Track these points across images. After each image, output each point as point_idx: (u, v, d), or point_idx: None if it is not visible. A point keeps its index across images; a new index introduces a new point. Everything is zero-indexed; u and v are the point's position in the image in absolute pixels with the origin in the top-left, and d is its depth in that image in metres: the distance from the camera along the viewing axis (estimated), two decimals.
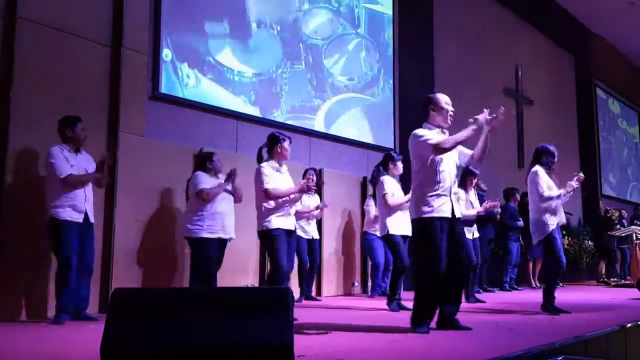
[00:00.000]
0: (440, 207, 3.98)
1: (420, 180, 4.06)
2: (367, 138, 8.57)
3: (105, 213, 5.40)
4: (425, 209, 3.97)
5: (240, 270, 6.35)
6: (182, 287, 5.57)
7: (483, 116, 3.99)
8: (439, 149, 3.96)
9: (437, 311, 4.13)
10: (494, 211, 8.03)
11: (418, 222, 4.04)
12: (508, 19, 12.37)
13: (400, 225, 5.60)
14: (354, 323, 4.51)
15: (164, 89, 6.10)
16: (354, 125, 8.44)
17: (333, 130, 8.08)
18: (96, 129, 5.38)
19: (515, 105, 12.33)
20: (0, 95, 4.83)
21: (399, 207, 5.57)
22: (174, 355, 2.40)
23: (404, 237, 5.63)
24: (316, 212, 6.78)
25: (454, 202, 4.07)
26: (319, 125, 7.87)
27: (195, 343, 2.40)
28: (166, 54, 6.15)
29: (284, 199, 4.72)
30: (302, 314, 4.80)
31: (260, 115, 7.03)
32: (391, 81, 9.16)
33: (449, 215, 4.02)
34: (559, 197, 5.29)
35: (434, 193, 3.98)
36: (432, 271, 3.93)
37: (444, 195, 4.01)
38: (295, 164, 6.70)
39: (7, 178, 4.75)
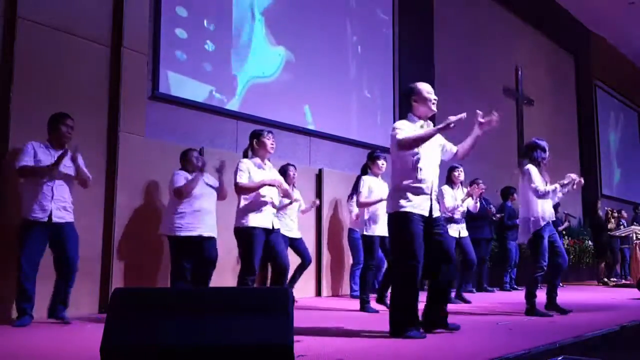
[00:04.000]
0: (419, 203, 3.85)
1: (399, 175, 3.93)
2: (367, 138, 8.57)
3: (105, 213, 5.40)
4: (403, 202, 3.83)
5: (238, 270, 6.33)
6: (181, 287, 5.57)
7: (456, 118, 3.76)
8: (401, 145, 3.85)
9: (423, 313, 4.03)
10: (487, 207, 7.98)
11: (394, 217, 3.88)
12: (508, 19, 12.37)
13: (380, 225, 5.52)
14: (353, 323, 4.51)
15: (164, 89, 6.10)
16: (354, 125, 8.45)
17: (333, 130, 8.08)
18: (96, 129, 5.39)
19: (515, 105, 12.34)
20: (0, 95, 4.83)
21: (370, 206, 5.54)
22: (173, 355, 2.40)
23: (383, 237, 5.52)
24: (304, 207, 6.69)
25: (434, 201, 3.94)
26: (319, 125, 7.87)
27: (195, 343, 2.40)
28: (166, 53, 6.16)
29: (262, 196, 4.60)
30: (302, 313, 4.80)
31: (259, 115, 7.03)
32: (391, 81, 9.17)
33: (427, 214, 3.88)
34: (554, 191, 5.19)
35: (414, 189, 3.85)
36: (408, 266, 3.76)
37: (424, 193, 3.88)
38: (296, 164, 6.70)
39: (7, 178, 4.74)
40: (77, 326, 4.39)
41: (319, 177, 7.65)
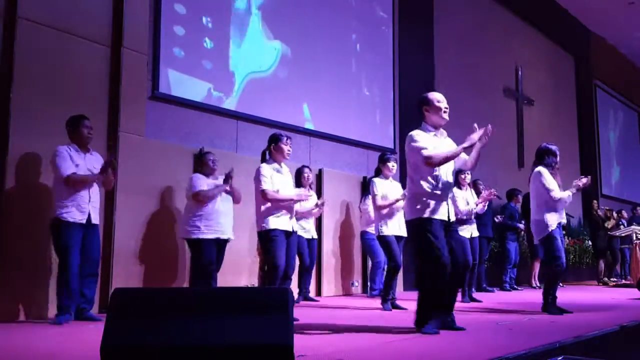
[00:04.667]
0: (437, 209, 3.96)
1: (417, 181, 4.02)
2: (367, 138, 8.57)
3: (105, 213, 5.39)
4: (422, 208, 3.93)
5: (239, 270, 6.34)
6: (182, 287, 5.57)
7: (477, 135, 3.95)
8: (429, 163, 3.95)
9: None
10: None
11: (414, 223, 3.99)
12: (508, 19, 12.37)
13: (395, 225, 5.67)
14: (353, 323, 4.51)
15: (163, 89, 6.10)
16: (354, 125, 8.45)
17: (333, 130, 8.09)
18: (96, 129, 5.35)
19: (515, 105, 12.34)
20: (0, 95, 4.83)
21: (387, 208, 5.64)
22: (173, 355, 2.40)
23: (399, 237, 5.70)
24: (315, 211, 6.70)
25: (450, 206, 4.06)
26: (317, 124, 7.87)
27: (195, 343, 2.39)
28: (166, 53, 6.15)
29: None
30: (302, 313, 4.80)
31: (259, 115, 7.03)
32: (391, 81, 9.17)
33: (445, 219, 4.00)
34: (569, 197, 5.30)
35: (432, 194, 3.96)
36: (438, 268, 3.85)
37: (442, 198, 3.99)
38: (296, 164, 6.70)
39: (7, 178, 4.74)
40: (77, 326, 4.39)
41: (319, 177, 7.65)
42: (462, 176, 6.72)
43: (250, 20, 7.14)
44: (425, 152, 3.95)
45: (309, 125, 7.74)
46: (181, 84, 6.28)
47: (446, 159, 3.97)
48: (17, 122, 4.81)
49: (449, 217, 4.02)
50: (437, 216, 3.94)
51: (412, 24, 9.55)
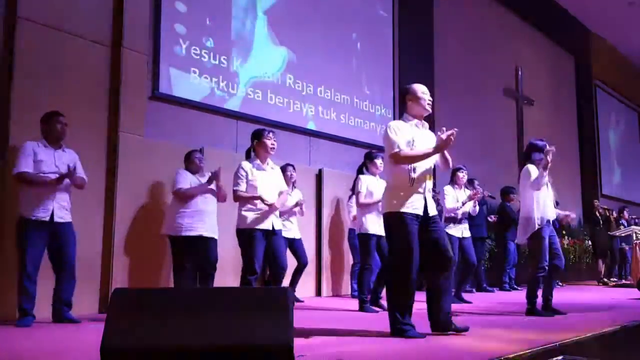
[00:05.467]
0: (412, 203, 3.83)
1: (393, 174, 3.93)
2: (367, 138, 8.57)
3: (105, 213, 5.40)
4: (396, 203, 3.82)
5: (238, 270, 6.32)
6: (182, 287, 5.57)
7: (444, 136, 3.79)
8: (393, 159, 3.87)
9: (428, 314, 3.99)
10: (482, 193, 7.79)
11: (388, 217, 3.87)
12: (508, 19, 12.38)
13: (375, 223, 5.49)
14: (353, 323, 4.51)
15: (164, 88, 6.10)
16: (354, 124, 8.45)
17: (333, 130, 8.09)
18: (96, 129, 5.39)
19: (515, 105, 12.34)
20: (0, 95, 4.83)
21: (371, 206, 5.51)
22: (173, 355, 2.40)
23: (379, 236, 5.45)
24: (296, 209, 6.47)
25: (428, 199, 3.91)
26: (318, 124, 7.87)
27: (195, 343, 2.40)
28: (167, 51, 6.15)
29: (256, 197, 4.62)
30: (301, 314, 4.80)
31: (259, 115, 7.03)
32: (391, 80, 9.17)
33: (421, 213, 3.85)
34: (540, 177, 5.08)
35: (407, 189, 3.84)
36: (402, 267, 3.76)
37: (418, 191, 3.86)
38: (296, 164, 6.70)
39: (7, 177, 4.74)
40: (77, 326, 4.39)
41: (319, 177, 7.65)
42: (460, 175, 6.64)
43: (249, 18, 7.15)
44: (394, 149, 3.85)
45: (309, 125, 7.74)
46: (182, 82, 6.29)
47: (412, 160, 3.85)
48: (17, 121, 4.82)
49: (425, 211, 3.87)
50: (411, 210, 3.81)
51: (412, 23, 9.55)
